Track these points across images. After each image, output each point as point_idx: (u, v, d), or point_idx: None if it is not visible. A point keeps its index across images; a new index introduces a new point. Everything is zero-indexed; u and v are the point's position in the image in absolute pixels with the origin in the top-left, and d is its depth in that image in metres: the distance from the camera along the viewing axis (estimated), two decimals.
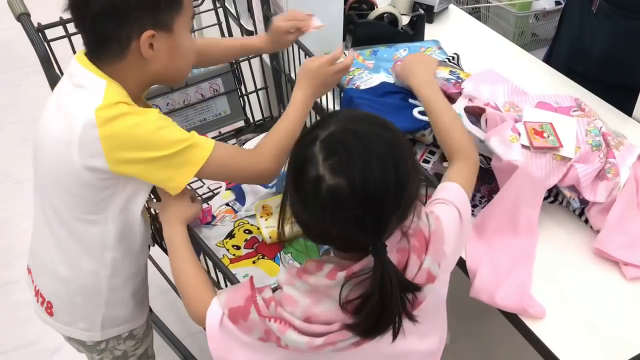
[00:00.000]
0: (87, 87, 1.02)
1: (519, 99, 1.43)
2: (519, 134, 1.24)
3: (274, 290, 0.90)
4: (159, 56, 1.02)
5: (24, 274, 2.17)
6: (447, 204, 0.97)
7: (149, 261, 1.29)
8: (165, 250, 1.37)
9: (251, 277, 0.93)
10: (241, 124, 1.74)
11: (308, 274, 0.86)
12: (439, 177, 1.30)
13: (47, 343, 2.01)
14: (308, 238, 0.91)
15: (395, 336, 0.82)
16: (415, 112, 1.31)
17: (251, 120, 1.74)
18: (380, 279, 0.79)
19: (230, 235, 1.36)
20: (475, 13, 3.06)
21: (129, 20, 0.97)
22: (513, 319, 1.11)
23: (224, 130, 1.73)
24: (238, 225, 1.38)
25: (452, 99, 1.40)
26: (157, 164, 1.01)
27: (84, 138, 0.99)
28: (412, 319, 0.84)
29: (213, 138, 1.58)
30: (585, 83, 1.65)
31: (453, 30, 1.89)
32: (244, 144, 1.64)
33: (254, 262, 1.29)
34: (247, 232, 1.37)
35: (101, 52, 1.02)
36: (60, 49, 1.43)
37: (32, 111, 2.91)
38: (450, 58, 1.60)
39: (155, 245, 1.42)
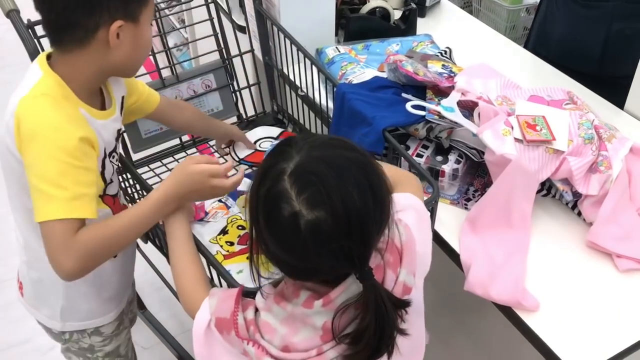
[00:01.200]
0: (26, 78, 1.04)
1: (511, 92, 1.44)
2: (512, 128, 1.24)
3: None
4: (122, 46, 1.01)
5: (16, 272, 2.19)
6: (405, 211, 0.94)
7: (142, 259, 1.28)
8: (158, 248, 1.36)
9: (240, 288, 0.92)
10: (234, 119, 1.73)
11: (285, 301, 0.84)
12: (432, 171, 1.30)
13: (41, 341, 1.98)
14: (288, 277, 0.86)
15: (390, 356, 0.81)
16: (408, 106, 1.31)
17: (244, 116, 1.74)
18: (374, 305, 0.77)
19: (224, 231, 1.36)
20: (467, 7, 3.06)
21: (100, 8, 0.97)
22: (507, 312, 1.12)
23: None
24: (231, 222, 1.38)
25: (444, 92, 1.41)
26: (31, 185, 0.99)
27: (9, 125, 1.00)
28: (402, 333, 0.82)
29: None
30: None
31: (445, 24, 1.89)
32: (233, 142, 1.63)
33: (247, 258, 1.29)
34: (240, 227, 1.36)
35: (63, 39, 1.01)
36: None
37: None
38: (443, 52, 1.60)
39: (148, 242, 1.42)
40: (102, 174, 1.11)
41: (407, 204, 0.96)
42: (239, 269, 1.25)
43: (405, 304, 0.83)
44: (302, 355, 0.81)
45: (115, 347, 1.33)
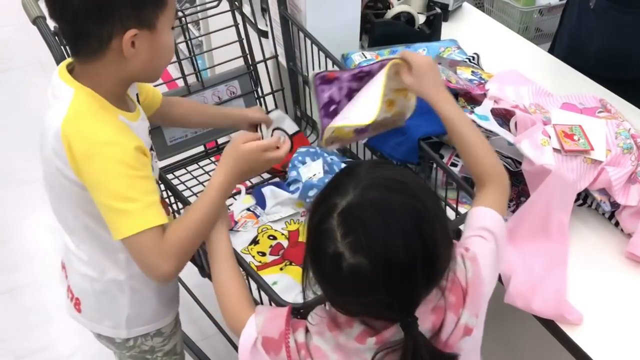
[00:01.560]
0: (58, 97, 1.01)
1: (543, 100, 1.42)
2: (550, 137, 1.23)
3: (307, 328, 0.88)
4: (139, 55, 0.99)
5: (32, 277, 2.18)
6: (482, 237, 0.92)
7: None
8: (199, 267, 1.34)
9: (289, 308, 0.90)
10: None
11: (338, 330, 0.82)
12: (467, 180, 1.29)
13: (61, 348, 1.99)
14: (336, 310, 0.84)
15: None
16: None
17: None
18: (412, 355, 0.76)
19: (255, 241, 1.34)
20: (479, 8, 3.04)
21: (112, 17, 0.94)
22: (549, 325, 1.11)
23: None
24: (262, 231, 1.36)
25: (476, 100, 1.39)
26: (100, 205, 1.00)
27: (56, 149, 0.99)
28: None
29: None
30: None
31: (468, 28, 1.87)
32: None
33: (281, 269, 1.28)
34: (271, 237, 1.35)
35: (79, 48, 1.00)
36: None
37: (33, 111, 2.85)
38: (471, 58, 1.59)
39: None
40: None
41: (484, 226, 0.93)
42: (274, 281, 1.24)
43: (449, 357, 0.81)
44: None
45: (173, 346, 1.34)
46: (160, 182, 1.33)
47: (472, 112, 1.32)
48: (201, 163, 1.66)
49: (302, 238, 1.33)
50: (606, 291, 1.16)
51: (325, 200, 0.79)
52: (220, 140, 1.68)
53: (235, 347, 1.81)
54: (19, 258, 2.29)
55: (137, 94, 1.20)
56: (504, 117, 1.34)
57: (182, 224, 1.04)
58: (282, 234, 1.34)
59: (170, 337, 1.32)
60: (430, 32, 1.73)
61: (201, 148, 1.66)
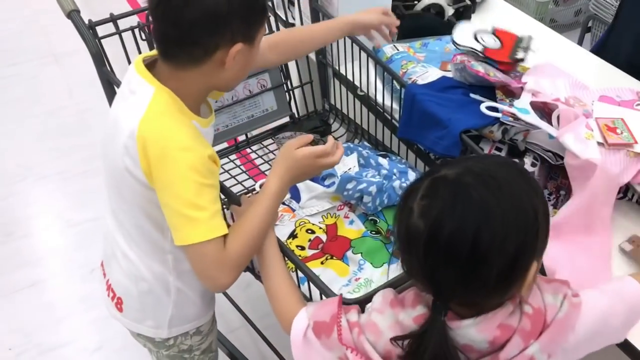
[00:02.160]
0: (136, 92, 1.01)
1: (580, 92, 1.42)
2: (592, 130, 1.23)
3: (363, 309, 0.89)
4: (235, 67, 1.00)
5: (54, 271, 2.18)
6: (607, 294, 0.89)
7: None
8: (249, 269, 1.34)
9: (340, 296, 0.92)
10: (287, 119, 1.71)
11: (401, 307, 0.84)
12: None
13: (86, 342, 1.99)
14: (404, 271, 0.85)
15: None
16: (482, 107, 1.29)
17: (296, 116, 1.71)
18: (421, 339, 0.77)
19: (293, 235, 1.34)
20: None
21: (224, 30, 0.95)
22: None
23: (268, 127, 1.70)
24: (299, 225, 1.36)
25: (514, 93, 1.39)
26: (166, 207, 1.00)
27: (128, 147, 0.99)
28: None
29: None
30: None
31: (496, 20, 1.85)
32: (281, 144, 1.61)
33: (322, 263, 1.28)
34: (309, 231, 1.34)
35: (178, 55, 0.99)
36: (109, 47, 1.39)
37: (48, 104, 2.85)
38: None
39: None
40: None
41: (617, 290, 0.91)
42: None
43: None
44: None
45: (209, 344, 1.35)
46: None
47: (511, 104, 1.32)
48: (232, 157, 1.65)
49: (341, 232, 1.32)
50: None
51: (436, 167, 0.82)
52: (250, 135, 1.67)
53: (264, 338, 1.83)
54: (41, 252, 2.28)
55: None
56: (542, 110, 1.33)
57: (240, 233, 1.03)
58: (320, 228, 1.34)
59: (208, 335, 1.33)
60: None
61: (224, 145, 1.66)
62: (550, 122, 1.28)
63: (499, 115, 1.28)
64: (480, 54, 1.40)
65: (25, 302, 2.10)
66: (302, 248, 1.31)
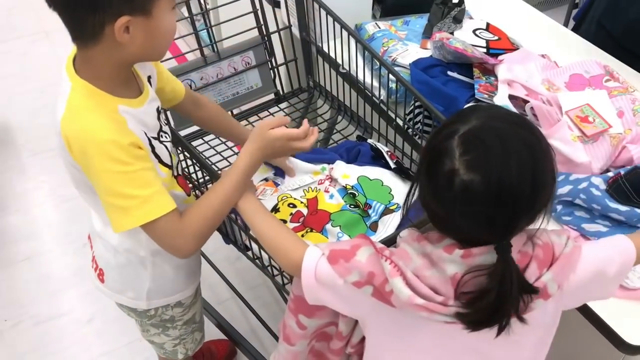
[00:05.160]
0: (61, 90, 1.01)
1: (552, 74, 1.46)
2: (573, 131, 1.26)
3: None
4: (135, 40, 0.97)
5: (49, 245, 2.23)
6: (605, 246, 0.95)
7: None
8: (232, 242, 1.39)
9: (363, 234, 0.95)
10: (271, 96, 1.74)
11: (428, 241, 0.87)
12: None
13: (79, 313, 2.05)
14: (434, 226, 0.89)
15: (499, 333, 0.83)
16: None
17: (281, 93, 1.75)
18: (501, 276, 0.80)
19: (275, 209, 1.38)
20: None
21: (102, 5, 0.92)
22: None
23: (253, 104, 1.74)
24: (282, 200, 1.40)
25: (491, 71, 1.42)
26: (102, 200, 1.02)
27: (61, 144, 1.00)
28: (522, 320, 0.84)
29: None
30: (612, 47, 1.66)
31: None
32: None
33: (302, 236, 1.32)
34: (291, 205, 1.39)
35: (75, 35, 0.99)
36: None
37: (40, 80, 2.87)
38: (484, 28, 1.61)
39: None
40: (161, 162, 1.12)
41: (612, 245, 0.95)
42: None
43: (534, 290, 0.84)
44: (429, 293, 0.84)
45: (192, 315, 1.39)
46: (182, 151, 1.36)
47: (488, 83, 1.36)
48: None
49: (321, 206, 1.37)
50: None
51: (446, 127, 0.84)
52: (235, 112, 1.71)
53: (252, 310, 1.88)
54: (35, 226, 2.33)
55: (149, 77, 1.17)
56: (524, 103, 1.35)
57: (203, 203, 1.07)
58: (302, 202, 1.38)
59: (190, 307, 1.37)
60: (442, 0, 1.74)
61: None
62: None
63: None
64: (485, 48, 1.44)
65: (20, 275, 2.16)
66: (284, 222, 1.36)
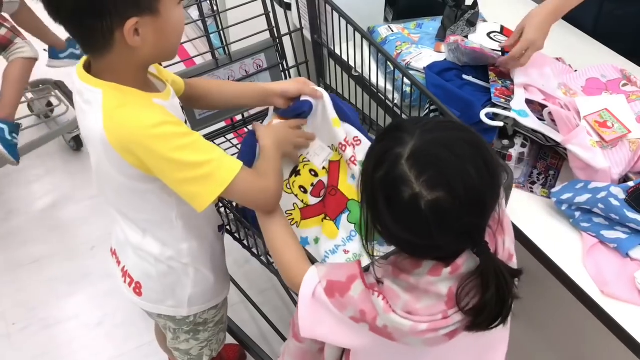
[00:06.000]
0: (90, 101, 0.99)
1: (568, 78, 1.44)
2: (591, 137, 1.25)
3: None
4: (146, 41, 0.95)
5: (57, 248, 2.22)
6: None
7: None
8: (238, 240, 1.40)
9: (359, 261, 0.93)
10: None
11: (406, 274, 0.86)
12: (498, 155, 1.31)
13: (88, 317, 2.04)
14: (406, 254, 0.88)
15: (504, 322, 0.83)
16: (482, 115, 1.29)
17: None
18: (495, 277, 0.80)
19: (296, 172, 1.30)
20: None
21: (107, 10, 0.90)
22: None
23: (263, 107, 1.72)
24: (302, 161, 1.31)
25: (506, 75, 1.41)
26: (176, 183, 1.00)
27: (109, 154, 0.98)
28: (518, 298, 0.84)
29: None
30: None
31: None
32: None
33: (322, 220, 1.28)
34: (312, 173, 1.31)
35: (87, 45, 0.97)
36: None
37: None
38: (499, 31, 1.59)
39: None
40: None
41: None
42: (315, 236, 1.25)
43: (519, 272, 0.85)
44: (428, 319, 0.83)
45: (221, 316, 1.39)
46: None
47: (504, 86, 1.34)
48: (229, 136, 1.68)
49: (341, 186, 1.29)
50: None
51: (385, 155, 0.82)
52: (247, 114, 1.69)
53: (261, 313, 1.87)
54: (43, 229, 2.33)
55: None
56: (541, 108, 1.33)
57: (263, 160, 1.12)
58: (323, 168, 1.30)
59: (221, 309, 1.38)
60: (455, 4, 1.72)
61: (221, 124, 1.67)
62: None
63: (499, 124, 1.29)
64: (500, 51, 1.43)
65: (28, 278, 2.15)
66: (305, 191, 1.29)
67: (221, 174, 0.99)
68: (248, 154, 1.21)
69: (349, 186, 1.29)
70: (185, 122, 1.14)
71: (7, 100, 2.20)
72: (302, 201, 1.28)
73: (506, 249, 0.87)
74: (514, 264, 0.90)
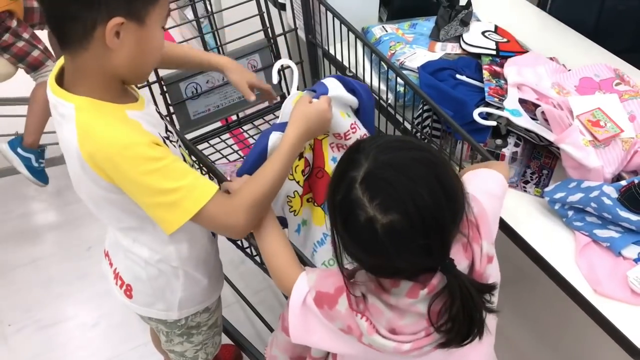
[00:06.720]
0: (64, 115, 0.98)
1: (561, 77, 1.44)
2: (584, 136, 1.24)
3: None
4: (124, 47, 0.93)
5: (53, 249, 2.22)
6: (484, 182, 1.02)
7: None
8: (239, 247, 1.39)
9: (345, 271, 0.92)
10: (278, 99, 1.73)
11: (387, 294, 0.86)
12: (491, 154, 1.32)
13: (84, 318, 2.04)
14: (375, 275, 0.88)
15: (481, 336, 0.83)
16: (475, 114, 1.28)
17: (287, 95, 1.73)
18: (460, 294, 0.80)
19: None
20: None
21: (98, 2, 0.89)
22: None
23: (259, 107, 1.73)
24: None
25: (500, 74, 1.41)
26: (144, 205, 1.00)
27: (84, 168, 0.98)
28: (493, 311, 0.85)
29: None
30: None
31: None
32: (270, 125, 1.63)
33: (307, 201, 1.28)
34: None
35: (64, 35, 0.94)
36: None
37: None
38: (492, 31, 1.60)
39: None
40: None
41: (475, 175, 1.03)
42: (303, 219, 1.26)
43: (490, 287, 0.85)
44: (411, 338, 0.84)
45: (215, 320, 1.39)
46: (189, 155, 1.35)
47: (497, 86, 1.34)
48: (223, 136, 1.68)
49: (327, 168, 1.28)
50: None
51: (342, 178, 0.83)
52: (241, 115, 1.70)
53: (257, 314, 1.87)
54: (39, 230, 2.33)
55: None
56: (534, 107, 1.33)
57: (254, 180, 1.06)
58: (309, 144, 1.26)
59: (214, 312, 1.38)
60: (449, 4, 1.73)
61: (216, 125, 1.68)
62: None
63: (492, 123, 1.29)
64: (495, 50, 1.42)
65: (24, 279, 2.15)
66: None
67: (188, 203, 0.98)
68: (255, 162, 1.16)
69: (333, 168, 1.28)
70: (166, 129, 1.12)
71: (32, 128, 2.20)
72: (298, 182, 1.26)
73: (484, 254, 0.87)
74: (493, 266, 0.89)
